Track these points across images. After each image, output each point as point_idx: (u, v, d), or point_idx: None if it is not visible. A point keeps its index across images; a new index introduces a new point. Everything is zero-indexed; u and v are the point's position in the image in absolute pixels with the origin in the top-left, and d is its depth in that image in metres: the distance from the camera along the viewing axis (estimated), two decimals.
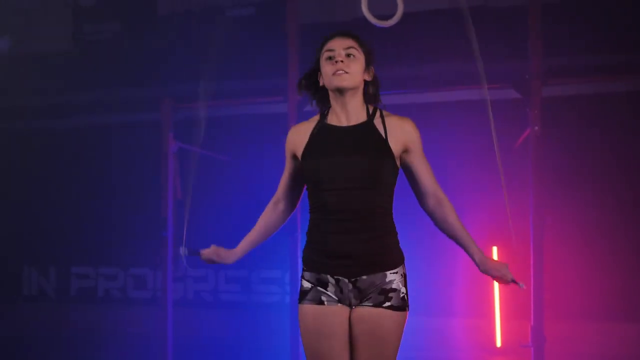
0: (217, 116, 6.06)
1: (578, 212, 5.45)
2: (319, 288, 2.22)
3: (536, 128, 4.72)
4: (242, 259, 2.48)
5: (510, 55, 5.16)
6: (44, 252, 7.05)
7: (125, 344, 6.01)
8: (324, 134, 2.26)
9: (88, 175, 6.80)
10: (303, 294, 2.25)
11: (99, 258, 6.86)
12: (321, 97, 2.35)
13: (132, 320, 6.48)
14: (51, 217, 6.92)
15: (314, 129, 2.29)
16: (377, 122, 2.25)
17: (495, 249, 5.64)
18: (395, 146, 2.22)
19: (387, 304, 2.18)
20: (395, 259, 2.24)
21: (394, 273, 2.22)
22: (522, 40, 4.87)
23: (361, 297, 2.20)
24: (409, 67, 5.53)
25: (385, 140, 2.21)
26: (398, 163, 2.26)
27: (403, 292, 2.22)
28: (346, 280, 2.19)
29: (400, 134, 2.23)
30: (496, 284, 5.67)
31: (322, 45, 2.29)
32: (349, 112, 2.25)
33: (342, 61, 2.20)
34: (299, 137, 2.30)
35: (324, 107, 2.34)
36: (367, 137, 2.22)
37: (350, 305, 2.22)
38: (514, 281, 2.30)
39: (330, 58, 2.23)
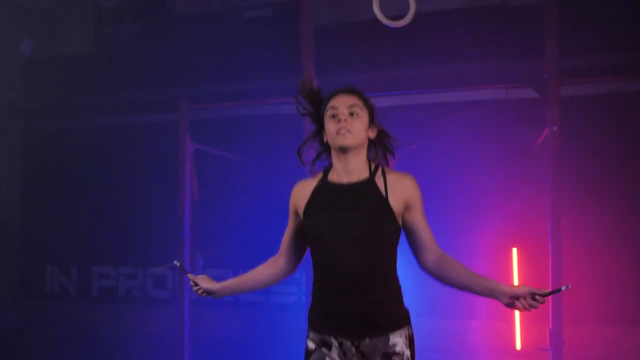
0: (233, 117, 6.10)
1: (597, 214, 5.35)
2: (323, 350, 2.19)
3: (554, 128, 4.66)
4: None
5: (528, 55, 5.08)
6: (66, 252, 7.15)
7: (144, 343, 6.07)
8: (325, 191, 2.25)
9: (108, 176, 6.89)
10: (307, 355, 2.23)
11: (119, 258, 6.94)
12: (326, 152, 2.33)
13: (151, 319, 6.54)
14: (73, 217, 7.02)
15: (317, 186, 2.27)
16: (379, 179, 2.22)
17: (515, 251, 5.58)
18: (395, 204, 2.18)
19: None
20: (398, 320, 2.19)
21: (398, 335, 2.17)
22: (539, 39, 4.80)
23: None
24: (422, 67, 5.49)
25: (386, 199, 2.18)
26: (400, 221, 2.22)
27: (407, 356, 2.17)
28: (349, 344, 2.16)
29: (401, 190, 2.20)
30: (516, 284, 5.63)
31: (327, 101, 2.28)
32: (350, 170, 2.23)
33: (345, 120, 2.19)
34: (301, 194, 2.29)
35: (328, 164, 2.33)
36: (367, 194, 2.19)
37: None
38: (551, 293, 2.12)
39: (333, 116, 2.22)
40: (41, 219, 7.24)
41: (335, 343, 2.18)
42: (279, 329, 5.81)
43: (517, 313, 5.65)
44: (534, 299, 2.11)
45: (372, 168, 2.26)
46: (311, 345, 2.22)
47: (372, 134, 2.28)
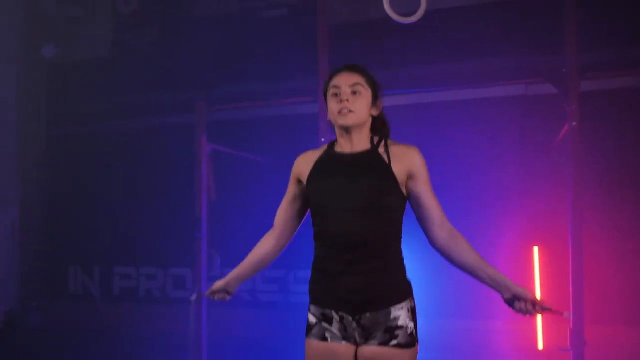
0: (249, 117, 6.12)
1: (619, 212, 5.23)
2: (324, 324, 2.17)
3: (574, 124, 4.57)
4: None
5: (547, 50, 5.00)
6: (89, 253, 7.24)
7: (163, 342, 6.12)
8: (329, 161, 2.25)
9: (128, 178, 6.96)
10: (309, 329, 2.21)
11: (140, 259, 7.00)
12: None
13: (171, 319, 6.58)
14: (94, 218, 7.11)
15: (321, 156, 2.27)
16: (382, 150, 2.22)
17: (536, 249, 5.49)
18: (399, 172, 2.16)
19: (394, 342, 2.09)
20: (400, 293, 2.15)
21: (399, 309, 2.13)
22: (559, 34, 4.72)
23: (366, 335, 2.12)
24: (440, 65, 5.44)
25: (389, 166, 2.16)
26: (404, 191, 2.18)
27: (411, 328, 2.13)
28: (350, 318, 2.12)
29: (404, 160, 2.18)
30: (538, 287, 5.54)
31: (329, 79, 2.27)
32: (354, 143, 2.23)
33: (347, 100, 2.18)
34: (306, 163, 2.28)
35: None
36: (370, 162, 2.19)
37: (356, 343, 2.14)
38: (550, 311, 2.16)
39: (335, 95, 2.22)
40: (65, 220, 7.35)
41: (336, 317, 2.14)
42: (297, 328, 5.80)
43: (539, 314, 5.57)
44: (533, 306, 2.13)
45: (376, 140, 2.25)
46: (312, 319, 2.20)
47: (376, 112, 2.27)
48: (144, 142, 6.87)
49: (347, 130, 2.20)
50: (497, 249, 5.40)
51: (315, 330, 2.18)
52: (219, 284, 2.46)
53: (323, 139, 4.72)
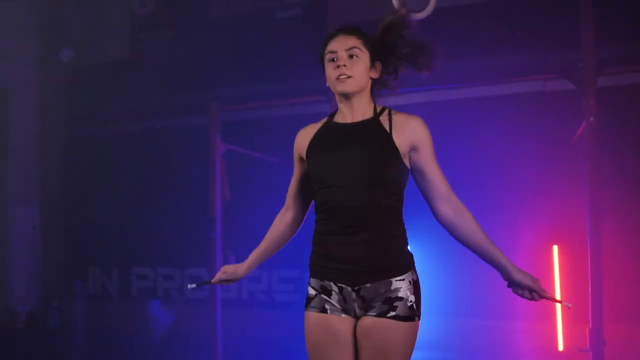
0: (263, 117, 6.12)
1: (638, 209, 5.12)
2: (323, 296, 2.12)
3: (591, 119, 4.48)
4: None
5: (564, 45, 4.92)
6: (107, 254, 7.31)
7: (180, 342, 6.15)
8: (329, 132, 2.19)
9: (144, 179, 7.01)
10: (308, 301, 2.16)
11: (157, 259, 7.05)
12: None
13: (188, 318, 6.61)
14: (112, 219, 7.18)
15: (320, 128, 2.22)
16: (384, 119, 2.14)
17: (555, 248, 5.41)
18: (400, 142, 2.08)
19: (392, 313, 2.03)
20: (401, 265, 2.08)
21: (400, 280, 2.06)
22: (575, 29, 4.64)
23: (366, 306, 2.07)
24: (457, 62, 5.38)
25: (390, 136, 2.09)
26: (407, 163, 2.12)
27: (411, 301, 2.06)
28: (349, 289, 2.07)
29: (407, 130, 2.10)
30: (557, 285, 5.46)
31: (325, 44, 2.17)
32: (354, 111, 2.16)
33: (344, 65, 2.10)
34: (305, 138, 2.23)
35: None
36: (370, 132, 2.11)
37: (355, 316, 2.10)
38: (554, 299, 2.11)
39: (332, 60, 2.14)
40: (84, 222, 7.43)
41: (335, 289, 2.10)
42: None
43: (559, 314, 5.49)
44: (530, 294, 2.09)
45: (379, 109, 2.18)
46: (311, 292, 2.16)
47: (375, 74, 2.18)
48: (161, 143, 6.91)
49: (346, 96, 2.13)
50: (516, 248, 5.33)
51: (314, 302, 2.13)
52: (229, 269, 2.40)
53: None
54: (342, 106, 2.18)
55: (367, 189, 2.05)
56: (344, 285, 2.08)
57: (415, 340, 2.09)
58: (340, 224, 2.07)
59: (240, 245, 6.11)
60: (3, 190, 7.34)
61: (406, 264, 2.10)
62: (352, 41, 2.13)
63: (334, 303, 2.10)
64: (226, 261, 5.62)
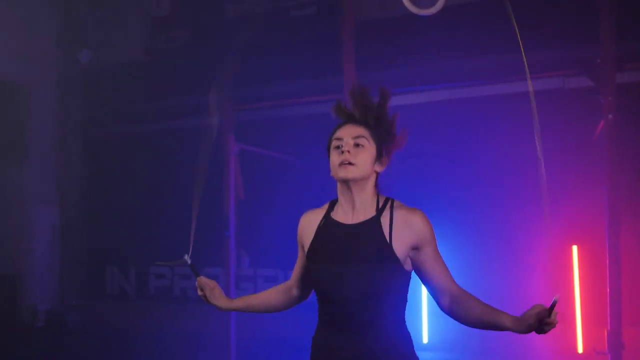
0: (276, 117, 6.11)
1: None
2: None
3: (610, 116, 4.39)
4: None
5: (582, 41, 4.82)
6: (125, 254, 7.37)
7: (194, 341, 6.17)
8: (328, 232, 2.11)
9: (160, 179, 7.05)
10: None
11: (174, 258, 7.07)
12: None
13: (204, 318, 6.63)
14: (129, 219, 7.23)
15: (321, 221, 2.14)
16: (384, 219, 2.06)
17: (575, 248, 5.32)
18: (400, 248, 2.02)
19: None
20: None
21: None
22: (594, 24, 4.54)
23: None
24: (472, 59, 5.32)
25: (390, 245, 2.01)
26: (408, 265, 2.06)
27: None
28: None
29: (407, 231, 2.03)
30: (577, 286, 5.36)
31: (333, 132, 2.13)
32: (356, 207, 2.09)
33: (348, 151, 2.04)
34: (307, 228, 2.17)
35: None
36: (369, 240, 2.04)
37: None
38: (550, 309, 1.92)
39: (337, 147, 2.08)
40: (102, 221, 7.50)
41: None
42: None
43: (578, 316, 5.41)
44: (538, 321, 1.90)
45: (381, 203, 2.09)
46: None
47: (380, 168, 2.11)
48: (177, 143, 6.94)
49: (347, 185, 2.07)
50: (535, 249, 5.25)
51: None
52: (216, 291, 2.33)
53: None
54: (343, 200, 2.11)
55: (367, 303, 2.01)
56: None
57: None
58: (341, 335, 2.03)
59: (254, 245, 6.13)
60: (23, 189, 7.44)
61: None
62: (359, 130, 2.08)
63: None
64: (239, 260, 5.62)
